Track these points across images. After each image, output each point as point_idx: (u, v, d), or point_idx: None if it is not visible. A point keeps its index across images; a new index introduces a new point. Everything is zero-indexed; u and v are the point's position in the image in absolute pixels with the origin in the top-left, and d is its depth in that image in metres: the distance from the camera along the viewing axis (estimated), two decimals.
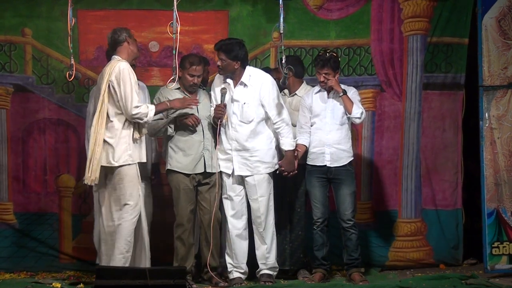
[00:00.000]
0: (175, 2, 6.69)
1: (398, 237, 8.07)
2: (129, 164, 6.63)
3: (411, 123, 8.09)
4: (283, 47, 6.89)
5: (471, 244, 8.05)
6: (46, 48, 7.94)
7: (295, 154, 7.10)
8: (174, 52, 6.75)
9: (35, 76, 7.96)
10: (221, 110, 6.99)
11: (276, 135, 7.12)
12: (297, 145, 7.16)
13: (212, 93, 7.18)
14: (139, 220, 6.67)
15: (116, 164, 6.58)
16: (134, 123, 6.65)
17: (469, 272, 7.45)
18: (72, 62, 6.72)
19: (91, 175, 6.54)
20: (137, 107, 6.58)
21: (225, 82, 7.10)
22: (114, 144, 6.59)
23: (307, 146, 7.22)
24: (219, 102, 7.03)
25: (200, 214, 7.18)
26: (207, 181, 7.13)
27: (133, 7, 7.95)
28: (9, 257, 7.83)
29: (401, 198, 8.12)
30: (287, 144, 7.09)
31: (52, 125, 7.99)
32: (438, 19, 8.04)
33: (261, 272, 7.14)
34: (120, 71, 6.59)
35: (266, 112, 7.05)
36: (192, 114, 7.05)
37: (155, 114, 6.71)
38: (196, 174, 7.10)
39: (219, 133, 7.05)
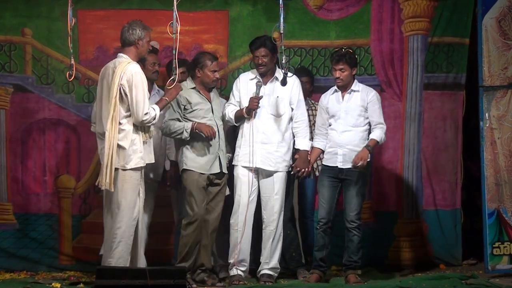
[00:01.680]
0: (175, 2, 6.68)
1: (398, 237, 8.07)
2: (136, 168, 6.58)
3: (411, 123, 8.09)
4: (283, 47, 6.90)
5: (471, 244, 8.05)
6: (46, 48, 7.92)
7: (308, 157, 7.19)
8: (174, 52, 6.74)
9: (35, 76, 7.94)
10: (257, 102, 7.03)
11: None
12: (312, 147, 7.23)
13: (235, 91, 7.20)
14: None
15: (128, 167, 6.51)
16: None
17: (469, 272, 7.44)
18: (72, 62, 6.68)
19: (109, 179, 6.46)
20: (147, 113, 6.53)
21: (255, 77, 7.16)
22: (127, 147, 6.51)
23: (323, 150, 7.25)
24: (256, 95, 7.04)
25: (205, 214, 7.15)
26: (219, 182, 7.15)
27: (133, 7, 7.93)
28: (9, 257, 7.82)
29: (401, 199, 8.12)
30: (304, 145, 7.19)
31: (52, 126, 7.97)
32: (439, 19, 8.04)
33: (262, 272, 7.15)
34: (132, 74, 6.51)
35: (291, 109, 7.15)
36: (209, 125, 7.01)
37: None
38: (210, 174, 7.10)
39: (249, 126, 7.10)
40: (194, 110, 7.07)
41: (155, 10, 7.85)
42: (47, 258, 7.86)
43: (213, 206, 7.13)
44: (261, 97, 7.06)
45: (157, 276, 6.22)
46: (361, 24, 8.08)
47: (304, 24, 8.02)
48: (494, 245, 7.45)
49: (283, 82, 7.10)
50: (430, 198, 8.11)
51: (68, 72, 6.73)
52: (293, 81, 7.19)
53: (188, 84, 7.09)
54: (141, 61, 7.06)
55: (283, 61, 6.92)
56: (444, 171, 8.14)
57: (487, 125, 7.51)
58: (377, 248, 8.02)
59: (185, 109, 7.09)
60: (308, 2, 8.02)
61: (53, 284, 6.98)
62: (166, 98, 6.79)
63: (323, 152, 7.27)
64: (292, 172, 7.17)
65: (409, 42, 8.05)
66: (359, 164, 6.99)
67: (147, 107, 6.54)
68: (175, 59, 6.76)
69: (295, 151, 7.22)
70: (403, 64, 8.10)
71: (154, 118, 6.61)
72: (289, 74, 7.02)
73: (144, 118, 6.53)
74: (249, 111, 7.07)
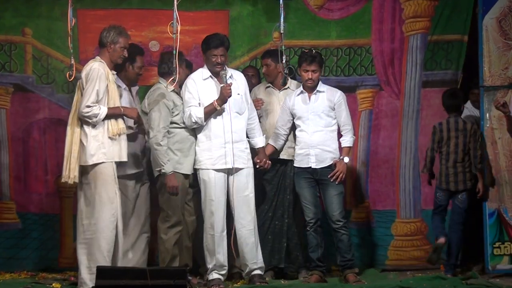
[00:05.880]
0: (175, 2, 6.70)
1: (397, 237, 8.06)
2: (104, 163, 6.59)
3: (409, 121, 8.07)
4: (283, 47, 6.89)
5: (471, 244, 8.05)
6: (46, 48, 7.92)
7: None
8: (174, 52, 6.75)
9: (35, 76, 7.95)
10: (229, 89, 6.91)
11: None
12: (267, 144, 7.26)
13: (193, 93, 7.01)
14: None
15: (90, 163, 6.57)
16: (109, 120, 6.62)
17: (469, 272, 7.44)
18: (72, 61, 6.75)
19: (69, 173, 6.56)
20: (89, 106, 6.54)
21: (208, 77, 7.04)
22: (86, 143, 6.58)
23: (277, 149, 7.30)
24: (225, 83, 6.93)
25: (185, 215, 7.19)
26: (196, 183, 7.16)
27: (133, 7, 7.93)
28: (10, 257, 7.83)
29: (399, 198, 8.10)
30: (261, 142, 7.19)
31: (52, 125, 7.96)
32: (439, 17, 8.01)
33: (253, 273, 7.06)
34: (90, 69, 6.61)
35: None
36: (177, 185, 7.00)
37: (107, 117, 6.62)
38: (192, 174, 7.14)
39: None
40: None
41: (155, 10, 7.85)
42: (47, 259, 7.87)
43: (192, 206, 7.15)
44: (231, 83, 6.94)
45: (158, 276, 6.22)
46: (362, 23, 8.07)
47: (305, 24, 8.01)
48: (494, 245, 7.46)
49: (283, 82, 7.09)
50: (429, 198, 8.08)
51: (68, 72, 6.80)
52: (242, 77, 7.15)
53: (172, 86, 7.01)
54: (129, 61, 7.06)
55: (283, 61, 6.91)
56: None
57: (488, 125, 7.50)
58: (375, 247, 8.02)
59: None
60: (308, 1, 8.00)
61: (53, 284, 7.01)
62: (121, 109, 6.76)
63: (276, 150, 7.31)
64: (257, 167, 7.13)
65: (409, 42, 8.04)
66: (340, 179, 7.09)
67: (90, 102, 6.54)
68: (175, 59, 6.77)
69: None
70: (402, 62, 8.08)
71: (96, 116, 6.58)
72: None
73: (84, 110, 6.55)
74: (223, 101, 6.93)
